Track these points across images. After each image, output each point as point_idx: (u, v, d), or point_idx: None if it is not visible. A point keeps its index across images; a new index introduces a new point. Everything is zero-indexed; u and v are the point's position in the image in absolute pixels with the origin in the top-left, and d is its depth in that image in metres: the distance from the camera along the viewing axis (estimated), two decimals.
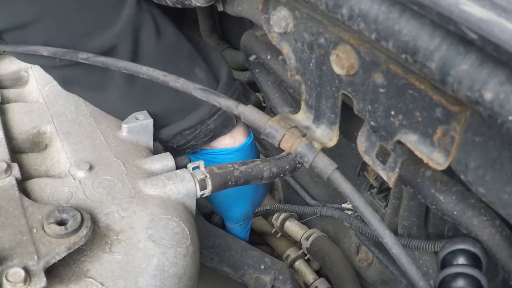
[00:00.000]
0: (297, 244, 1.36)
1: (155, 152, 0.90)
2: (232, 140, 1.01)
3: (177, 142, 0.97)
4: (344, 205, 1.22)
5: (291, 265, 1.31)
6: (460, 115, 0.50)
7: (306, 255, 1.33)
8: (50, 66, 0.91)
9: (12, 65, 1.00)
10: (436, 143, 0.54)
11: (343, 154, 1.21)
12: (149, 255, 0.66)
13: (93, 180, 0.75)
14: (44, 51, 0.84)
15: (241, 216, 1.11)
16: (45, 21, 0.84)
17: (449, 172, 0.61)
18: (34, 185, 0.72)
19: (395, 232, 0.98)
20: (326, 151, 0.70)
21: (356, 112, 0.63)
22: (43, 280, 0.57)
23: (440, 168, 0.55)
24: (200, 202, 0.89)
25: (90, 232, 0.63)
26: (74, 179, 0.75)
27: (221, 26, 1.61)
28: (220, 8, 0.89)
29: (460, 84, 0.44)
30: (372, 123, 0.61)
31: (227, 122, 0.97)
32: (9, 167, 0.71)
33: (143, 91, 0.91)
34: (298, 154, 0.69)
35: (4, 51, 1.01)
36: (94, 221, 0.67)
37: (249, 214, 1.13)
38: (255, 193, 1.11)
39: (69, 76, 0.92)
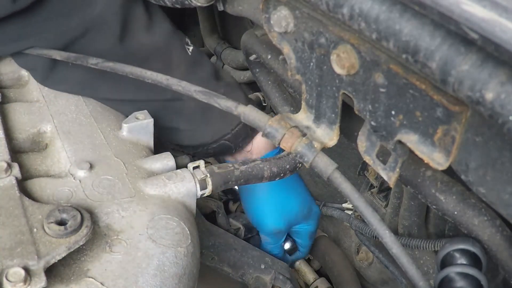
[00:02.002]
0: None
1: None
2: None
3: (180, 149, 1.06)
4: (344, 205, 1.22)
5: (292, 265, 1.31)
6: (461, 115, 0.50)
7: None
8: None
9: (12, 65, 0.99)
10: (437, 143, 0.54)
11: (343, 153, 1.21)
12: (149, 255, 0.66)
13: (93, 180, 0.75)
14: (57, 55, 0.86)
15: (271, 230, 1.14)
16: None
17: (449, 172, 0.61)
18: (35, 184, 0.72)
19: (395, 231, 0.98)
20: (326, 150, 0.70)
21: (356, 112, 0.63)
22: (43, 280, 0.57)
23: (440, 168, 0.55)
24: (200, 202, 0.89)
25: (90, 231, 0.63)
26: (74, 178, 0.75)
27: (221, 26, 1.61)
28: (220, 7, 0.89)
29: (461, 84, 0.44)
30: (372, 123, 0.61)
31: (225, 150, 1.06)
32: (9, 167, 0.71)
33: None
34: (298, 154, 0.69)
35: None
36: (94, 220, 0.67)
37: (280, 230, 1.15)
38: (288, 210, 1.14)
39: None
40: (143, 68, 0.81)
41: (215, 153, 1.07)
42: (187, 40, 1.01)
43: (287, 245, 1.22)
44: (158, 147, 0.93)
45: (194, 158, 1.09)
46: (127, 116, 0.90)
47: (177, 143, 1.06)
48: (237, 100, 1.02)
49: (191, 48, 1.00)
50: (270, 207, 1.12)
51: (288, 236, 1.22)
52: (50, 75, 0.93)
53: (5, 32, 0.87)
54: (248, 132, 1.06)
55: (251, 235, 1.19)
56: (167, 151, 0.86)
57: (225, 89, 1.01)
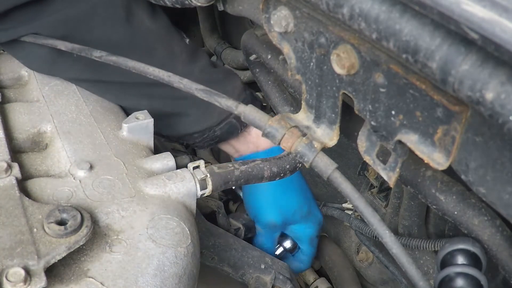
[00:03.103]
0: None
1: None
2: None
3: (186, 141, 1.09)
4: (344, 205, 1.22)
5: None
6: (461, 115, 0.50)
7: None
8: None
9: (12, 65, 0.99)
10: (437, 143, 0.54)
11: (343, 153, 1.21)
12: (149, 255, 0.66)
13: (93, 180, 0.75)
14: (62, 46, 0.87)
15: (266, 221, 1.15)
16: None
17: (449, 172, 0.61)
18: (35, 184, 0.72)
19: (395, 231, 0.98)
20: (326, 150, 0.70)
21: (356, 112, 0.63)
22: (43, 280, 0.57)
23: (440, 168, 0.55)
24: (200, 202, 0.89)
25: (90, 231, 0.63)
26: (74, 178, 0.75)
27: (221, 26, 1.61)
28: (220, 7, 0.89)
29: (461, 84, 0.44)
30: (372, 123, 0.61)
31: (232, 130, 1.07)
32: (9, 167, 0.71)
33: None
34: (298, 154, 0.69)
35: (4, 50, 1.01)
36: (94, 220, 0.67)
37: (276, 224, 1.16)
38: (286, 205, 1.15)
39: None
40: (149, 55, 0.84)
41: (221, 135, 1.07)
42: (183, 34, 1.06)
43: (287, 244, 1.22)
44: (159, 148, 0.93)
45: (194, 158, 1.09)
46: (130, 109, 0.91)
47: (185, 133, 1.07)
48: (235, 85, 1.06)
49: (187, 40, 1.05)
50: (268, 199, 1.13)
51: (288, 236, 1.22)
52: (57, 61, 0.93)
53: (8, 17, 0.87)
54: None
55: (251, 235, 1.20)
56: (167, 151, 0.86)
57: (223, 75, 1.05)
